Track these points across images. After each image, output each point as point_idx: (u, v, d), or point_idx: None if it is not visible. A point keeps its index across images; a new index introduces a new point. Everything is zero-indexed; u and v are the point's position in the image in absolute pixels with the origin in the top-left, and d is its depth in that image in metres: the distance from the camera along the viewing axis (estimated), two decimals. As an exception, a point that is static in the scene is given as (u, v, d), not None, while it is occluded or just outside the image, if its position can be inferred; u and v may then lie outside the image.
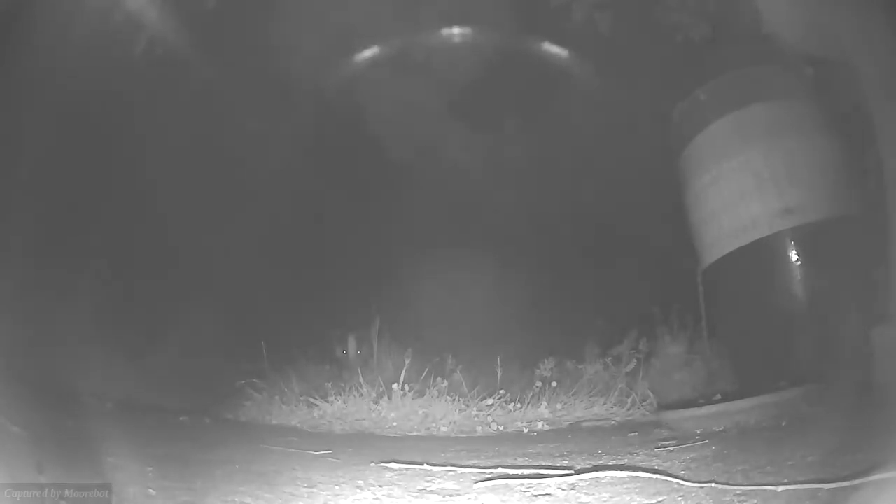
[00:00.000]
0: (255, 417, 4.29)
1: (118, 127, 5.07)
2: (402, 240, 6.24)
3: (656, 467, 2.29)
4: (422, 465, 2.48)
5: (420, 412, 3.94)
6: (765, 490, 1.83)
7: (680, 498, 1.87)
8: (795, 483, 1.84)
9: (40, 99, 3.96)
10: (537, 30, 5.68)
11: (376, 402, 4.04)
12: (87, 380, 3.95)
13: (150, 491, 1.92)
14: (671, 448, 2.70)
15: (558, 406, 4.06)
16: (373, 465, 2.52)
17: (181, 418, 3.92)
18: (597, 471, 2.24)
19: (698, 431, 3.07)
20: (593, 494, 1.98)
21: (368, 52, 5.88)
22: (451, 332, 5.24)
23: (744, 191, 4.21)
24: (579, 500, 1.93)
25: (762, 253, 4.09)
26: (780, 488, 1.82)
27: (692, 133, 4.65)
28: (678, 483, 2.00)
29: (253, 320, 5.57)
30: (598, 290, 5.81)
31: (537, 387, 4.14)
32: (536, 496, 1.98)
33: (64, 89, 4.11)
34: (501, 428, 3.80)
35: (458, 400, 4.02)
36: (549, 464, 2.50)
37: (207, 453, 2.77)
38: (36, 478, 1.76)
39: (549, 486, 2.09)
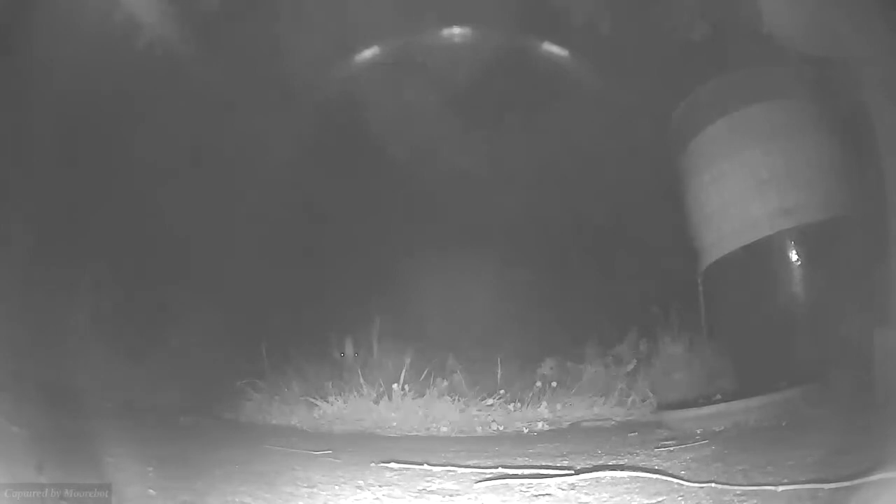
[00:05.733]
0: (255, 417, 4.30)
1: (118, 126, 5.06)
2: (403, 240, 6.23)
3: (656, 467, 2.29)
4: (422, 465, 2.48)
5: (420, 412, 3.95)
6: (765, 490, 1.83)
7: (680, 498, 1.87)
8: (795, 483, 1.84)
9: (40, 99, 3.96)
10: (537, 30, 5.68)
11: (376, 402, 4.04)
12: (87, 380, 3.95)
13: (150, 491, 1.92)
14: (671, 448, 2.70)
15: (558, 406, 4.06)
16: (373, 465, 2.52)
17: (181, 418, 3.92)
18: (597, 471, 2.24)
19: (698, 431, 3.07)
20: (593, 494, 1.98)
21: (368, 52, 5.88)
22: (451, 332, 5.24)
23: (744, 191, 4.22)
24: (579, 500, 1.93)
25: (762, 253, 4.09)
26: (780, 488, 1.82)
27: (692, 133, 4.65)
28: (678, 483, 2.00)
29: (253, 320, 5.57)
30: (598, 290, 5.80)
31: (537, 387, 4.14)
32: (536, 496, 1.98)
33: (64, 89, 4.11)
34: (501, 428, 3.79)
35: (458, 400, 4.02)
36: (549, 464, 2.50)
37: (207, 453, 2.77)
38: (36, 478, 1.76)
39: (549, 486, 2.09)
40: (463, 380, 4.19)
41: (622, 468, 2.28)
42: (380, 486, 2.16)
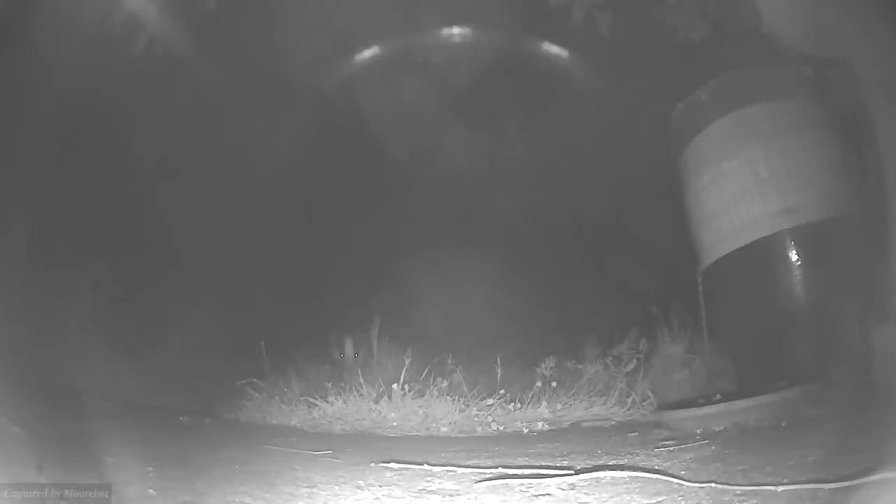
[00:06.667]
0: (255, 417, 4.29)
1: (118, 126, 5.07)
2: (403, 240, 6.24)
3: (656, 467, 2.29)
4: (422, 465, 2.48)
5: (420, 412, 3.94)
6: (765, 490, 1.83)
7: (680, 498, 1.87)
8: (795, 483, 1.84)
9: (40, 99, 3.96)
10: (537, 30, 5.68)
11: (376, 402, 4.04)
12: (87, 380, 3.96)
13: (150, 491, 1.92)
14: (671, 448, 2.70)
15: (558, 406, 4.05)
16: (373, 465, 2.52)
17: (181, 418, 3.92)
18: (597, 471, 2.24)
19: (698, 431, 3.07)
20: (593, 494, 1.98)
21: (368, 52, 5.88)
22: (451, 332, 5.24)
23: (744, 191, 4.21)
24: (579, 500, 1.93)
25: (762, 253, 4.09)
26: (780, 488, 1.82)
27: (692, 133, 4.65)
28: (678, 483, 2.00)
29: (253, 320, 5.57)
30: (598, 291, 5.81)
31: (537, 387, 4.14)
32: (536, 496, 1.98)
33: (64, 89, 4.11)
34: (501, 428, 3.79)
35: (458, 400, 4.01)
36: (549, 464, 2.50)
37: (207, 453, 2.77)
38: (36, 478, 1.76)
39: (549, 486, 2.10)
40: (463, 380, 4.19)
41: (622, 468, 2.27)
42: (380, 486, 2.16)
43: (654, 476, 2.11)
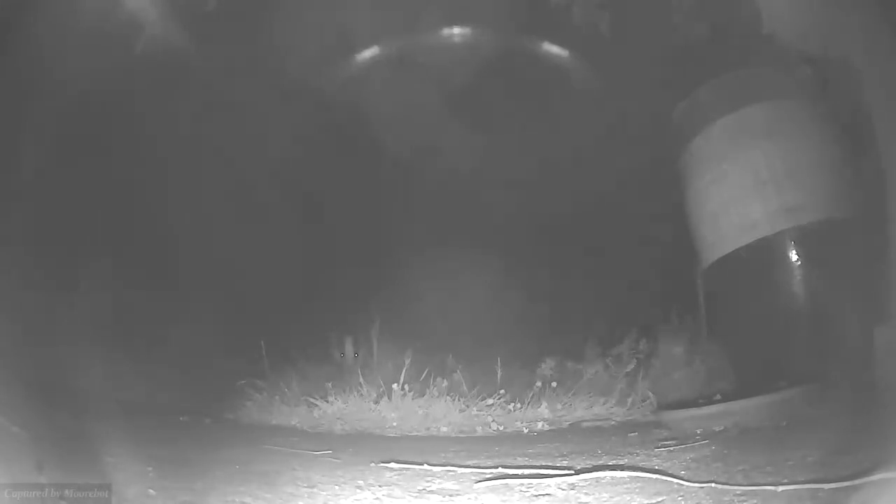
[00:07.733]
0: (255, 418, 4.30)
1: (118, 126, 5.07)
2: (402, 240, 6.23)
3: (656, 467, 2.29)
4: (422, 465, 2.48)
5: (420, 412, 3.95)
6: (765, 490, 1.83)
7: (680, 498, 1.87)
8: (795, 483, 1.84)
9: (40, 99, 3.96)
10: (537, 30, 5.68)
11: (376, 402, 4.05)
12: (87, 380, 3.95)
13: (150, 491, 1.92)
14: (671, 448, 2.70)
15: (558, 406, 4.06)
16: (373, 465, 2.52)
17: (181, 418, 3.92)
18: (597, 471, 2.24)
19: (698, 431, 3.07)
20: (593, 494, 1.98)
21: (368, 52, 5.88)
22: (451, 332, 5.24)
23: (744, 191, 4.22)
24: (579, 500, 1.93)
25: (762, 253, 4.09)
26: (780, 488, 1.82)
27: (692, 133, 4.65)
28: (678, 483, 2.00)
29: (253, 320, 5.57)
30: (598, 290, 5.80)
31: (537, 387, 4.14)
32: (536, 496, 1.98)
33: (64, 89, 4.11)
34: (501, 428, 3.80)
35: (458, 400, 4.02)
36: (549, 464, 2.50)
37: (208, 453, 2.77)
38: (36, 478, 1.76)
39: (549, 486, 2.10)
40: (463, 380, 4.19)
41: (622, 468, 2.28)
42: (380, 486, 2.16)
43: (654, 476, 2.11)
